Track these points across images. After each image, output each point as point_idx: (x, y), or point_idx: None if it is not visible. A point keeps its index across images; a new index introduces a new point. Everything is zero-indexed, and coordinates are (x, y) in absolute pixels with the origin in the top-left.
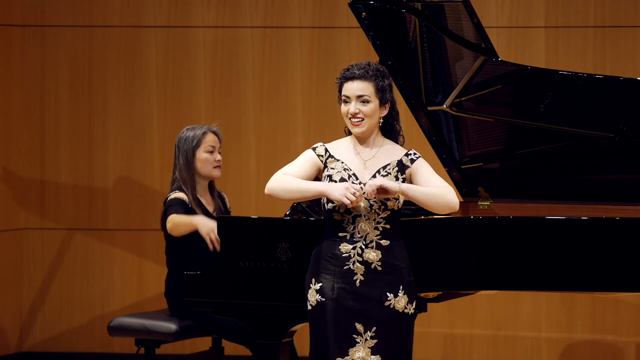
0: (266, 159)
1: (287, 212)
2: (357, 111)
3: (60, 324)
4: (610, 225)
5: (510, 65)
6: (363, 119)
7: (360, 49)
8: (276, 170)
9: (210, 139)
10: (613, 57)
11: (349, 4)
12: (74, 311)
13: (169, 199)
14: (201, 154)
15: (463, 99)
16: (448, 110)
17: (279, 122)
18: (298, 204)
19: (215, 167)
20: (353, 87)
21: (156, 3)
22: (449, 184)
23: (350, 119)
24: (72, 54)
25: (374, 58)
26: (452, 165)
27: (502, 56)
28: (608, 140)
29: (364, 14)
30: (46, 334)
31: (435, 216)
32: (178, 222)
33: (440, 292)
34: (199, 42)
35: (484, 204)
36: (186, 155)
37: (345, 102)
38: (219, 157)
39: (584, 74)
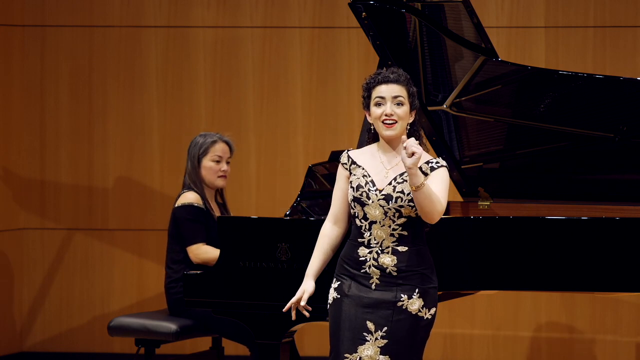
0: (266, 159)
1: (287, 212)
2: (392, 112)
3: (60, 324)
4: (610, 225)
5: (510, 65)
6: (396, 122)
7: (360, 49)
8: (276, 171)
9: (219, 148)
10: (613, 57)
11: (349, 4)
12: (74, 311)
13: (181, 205)
14: (207, 162)
15: (463, 99)
16: (448, 110)
17: (279, 122)
18: (298, 203)
19: (219, 177)
20: (389, 89)
21: (156, 3)
22: (449, 184)
23: (383, 121)
24: (72, 54)
25: (374, 58)
26: (452, 165)
27: (502, 56)
28: (608, 140)
29: (364, 14)
30: (46, 334)
31: None
32: (206, 258)
33: (440, 292)
34: (199, 42)
35: (484, 204)
36: (193, 161)
37: (378, 104)
38: (225, 167)
39: (584, 74)
